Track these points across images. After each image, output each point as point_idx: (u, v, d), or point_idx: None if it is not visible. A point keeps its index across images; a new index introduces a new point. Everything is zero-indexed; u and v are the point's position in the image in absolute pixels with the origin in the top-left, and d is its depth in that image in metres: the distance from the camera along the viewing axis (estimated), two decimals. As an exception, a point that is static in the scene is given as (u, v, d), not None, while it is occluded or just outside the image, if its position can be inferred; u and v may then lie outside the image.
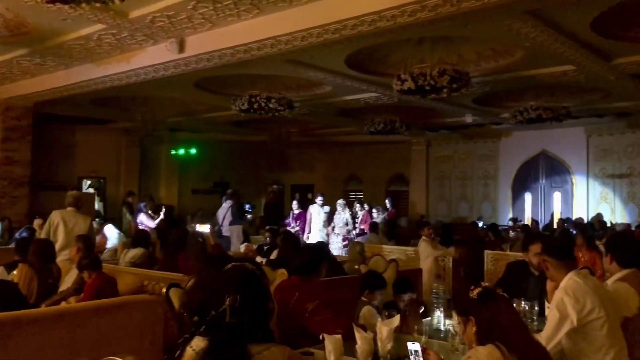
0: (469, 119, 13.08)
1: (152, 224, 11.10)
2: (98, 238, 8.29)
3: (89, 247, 5.52)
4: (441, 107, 11.94)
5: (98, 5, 5.79)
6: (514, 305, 3.22)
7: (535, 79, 9.33)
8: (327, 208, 11.57)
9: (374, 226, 10.73)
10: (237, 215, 10.88)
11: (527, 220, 14.89)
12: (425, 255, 8.18)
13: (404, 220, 14.13)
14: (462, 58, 8.55)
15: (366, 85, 9.96)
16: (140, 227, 10.73)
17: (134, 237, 7.15)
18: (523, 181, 15.66)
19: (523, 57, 8.25)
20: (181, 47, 7.52)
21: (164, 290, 3.99)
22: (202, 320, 2.04)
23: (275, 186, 20.72)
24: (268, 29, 6.66)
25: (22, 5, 6.40)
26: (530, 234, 8.54)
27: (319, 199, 11.51)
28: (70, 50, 8.24)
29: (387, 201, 14.37)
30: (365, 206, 12.90)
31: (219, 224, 10.57)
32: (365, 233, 11.20)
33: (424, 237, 8.37)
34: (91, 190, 15.63)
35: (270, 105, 9.62)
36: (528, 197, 15.76)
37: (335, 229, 11.20)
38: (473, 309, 2.48)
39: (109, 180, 15.84)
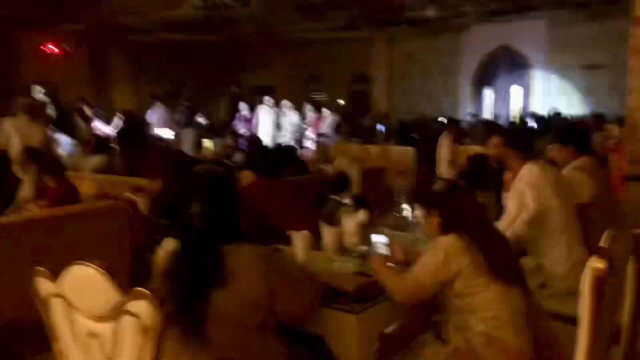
0: (430, 12, 12.83)
1: (107, 129, 10.83)
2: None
3: (39, 158, 5.36)
4: (403, 0, 11.63)
5: None
6: (475, 196, 3.31)
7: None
8: (277, 110, 11.35)
9: (337, 127, 10.74)
10: (189, 120, 10.72)
11: (489, 115, 15.13)
12: (442, 154, 7.72)
13: (367, 119, 14.15)
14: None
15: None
16: (96, 132, 10.49)
17: (93, 143, 6.99)
18: (483, 76, 15.70)
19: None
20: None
21: (129, 194, 3.96)
22: (171, 224, 2.05)
23: (233, 87, 20.25)
24: None
25: None
26: (489, 127, 8.66)
27: (267, 99, 11.30)
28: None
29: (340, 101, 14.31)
30: (312, 108, 12.37)
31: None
32: (317, 136, 11.21)
33: (445, 134, 7.81)
34: (43, 97, 15.04)
35: (226, 1, 9.18)
36: (488, 91, 15.90)
37: (282, 132, 11.10)
38: (436, 201, 2.54)
39: (62, 86, 15.22)
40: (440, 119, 14.14)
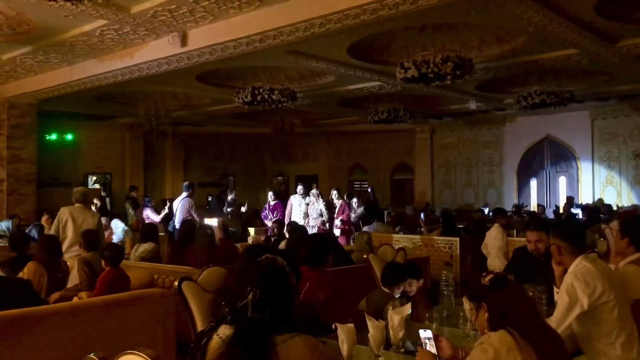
0: (472, 105, 13.05)
1: (157, 218, 11.16)
2: (106, 234, 8.35)
3: (91, 242, 5.54)
4: (445, 94, 11.92)
5: (100, 1, 5.78)
6: (525, 290, 3.23)
7: (538, 63, 9.30)
8: (308, 199, 11.52)
9: (380, 215, 10.76)
10: (217, 207, 10.96)
11: (533, 206, 14.88)
12: (496, 246, 7.57)
13: (409, 209, 14.13)
14: (465, 44, 8.52)
15: (369, 74, 9.94)
16: (147, 221, 10.80)
17: (142, 231, 7.20)
18: (528, 167, 15.63)
19: (526, 42, 8.22)
20: (184, 41, 7.52)
21: (176, 283, 4.02)
22: (228, 309, 2.08)
23: (280, 177, 20.75)
24: (270, 20, 6.65)
25: (24, 3, 6.41)
26: (533, 220, 8.49)
27: (299, 189, 11.51)
28: (73, 46, 8.24)
29: (369, 190, 14.38)
30: (345, 195, 12.57)
31: (173, 216, 10.65)
32: (346, 224, 11.22)
33: (497, 226, 7.73)
34: (97, 186, 15.69)
35: (273, 97, 9.61)
36: (533, 182, 15.74)
37: (309, 220, 11.16)
38: (485, 295, 2.50)
39: (115, 175, 15.89)
40: (485, 209, 14.02)
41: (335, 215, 11.46)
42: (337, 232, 10.89)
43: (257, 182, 19.61)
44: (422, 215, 11.09)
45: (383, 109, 12.45)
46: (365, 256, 6.19)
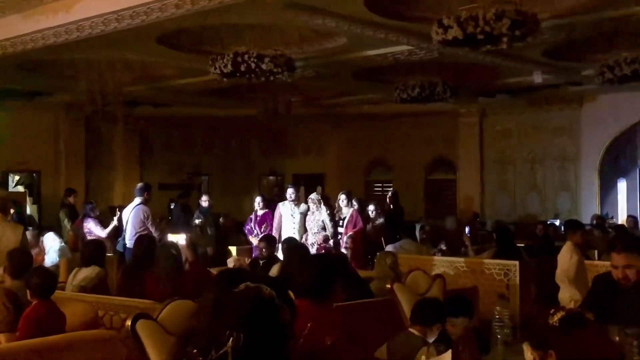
0: (538, 78, 13.04)
1: (103, 232, 11.20)
2: (34, 253, 8.38)
3: (20, 266, 5.57)
4: (499, 63, 11.91)
5: None
6: (608, 333, 3.23)
7: (629, 20, 9.28)
8: (303, 207, 11.52)
9: (410, 230, 10.77)
10: (182, 219, 10.96)
11: (622, 218, 14.83)
12: (569, 272, 7.56)
13: (450, 221, 14.14)
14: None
15: (395, 35, 9.94)
16: (89, 237, 10.83)
17: (83, 251, 7.24)
18: (615, 163, 15.59)
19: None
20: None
21: (128, 322, 4.05)
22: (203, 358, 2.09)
23: (271, 177, 20.78)
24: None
25: None
26: (614, 237, 8.44)
27: (290, 193, 11.55)
28: (-12, -3, 8.30)
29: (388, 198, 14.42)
30: (354, 203, 12.31)
31: (123, 230, 10.75)
32: (358, 242, 11.26)
33: (570, 244, 7.75)
34: (20, 188, 15.74)
35: (263, 67, 9.63)
36: (622, 185, 15.70)
37: (308, 236, 11.17)
38: (554, 340, 2.50)
39: (45, 174, 15.94)
40: (555, 221, 14.01)
41: (344, 229, 11.44)
42: (344, 252, 10.91)
43: (240, 183, 19.64)
44: (467, 230, 11.09)
45: (414, 84, 12.46)
46: (388, 286, 6.21)
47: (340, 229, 11.48)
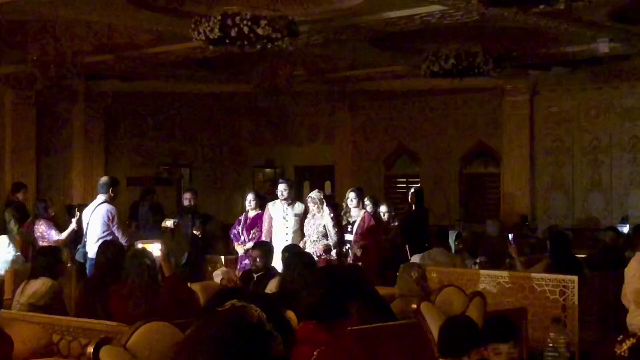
0: (603, 47, 12.99)
1: (58, 236, 11.20)
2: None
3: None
4: (555, 27, 11.86)
5: None
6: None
7: None
8: (299, 207, 11.43)
9: (440, 236, 10.76)
10: (151, 220, 10.89)
11: None
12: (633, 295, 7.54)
13: (491, 226, 14.12)
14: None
15: (424, -9, 9.97)
16: (42, 243, 10.83)
17: (33, 260, 7.25)
18: None
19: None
20: None
21: (90, 349, 4.06)
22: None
23: (268, 170, 20.77)
24: None
25: None
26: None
27: (281, 189, 11.42)
28: None
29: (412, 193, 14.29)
30: (367, 203, 12.29)
31: (84, 235, 10.74)
32: (371, 252, 11.19)
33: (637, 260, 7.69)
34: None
35: (259, 31, 9.60)
36: None
37: (306, 245, 11.09)
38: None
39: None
40: (624, 227, 13.94)
41: (353, 236, 11.38)
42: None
43: (229, 178, 19.65)
44: (510, 237, 11.05)
45: (448, 54, 12.43)
46: (414, 305, 6.22)
47: (349, 236, 11.38)
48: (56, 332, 5.56)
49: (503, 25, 11.58)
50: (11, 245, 9.61)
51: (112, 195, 10.81)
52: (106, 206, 10.63)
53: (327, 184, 19.25)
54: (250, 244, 11.20)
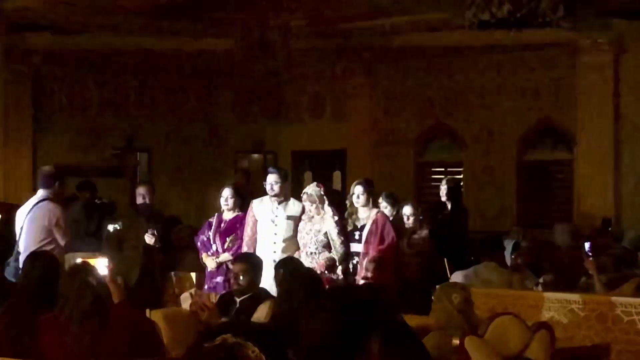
0: None
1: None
2: None
3: None
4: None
5: None
6: None
7: None
8: (294, 206, 11.33)
9: (493, 246, 10.77)
10: (87, 225, 10.79)
11: None
12: None
13: (561, 232, 14.12)
14: None
15: None
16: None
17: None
18: None
19: None
20: None
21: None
22: None
23: (255, 155, 20.83)
24: None
25: None
26: None
27: (271, 180, 11.37)
28: None
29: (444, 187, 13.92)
30: (384, 204, 12.25)
31: (16, 244, 10.81)
32: (385, 267, 11.08)
33: None
34: None
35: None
36: None
37: (301, 256, 11.05)
38: None
39: None
40: None
41: (362, 246, 11.33)
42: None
43: (202, 166, 19.71)
44: (587, 247, 11.05)
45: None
46: (456, 341, 6.24)
47: (357, 246, 11.35)
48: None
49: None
50: None
51: (59, 190, 10.80)
52: (48, 205, 10.63)
53: (336, 174, 19.29)
54: (225, 256, 11.25)
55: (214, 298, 9.16)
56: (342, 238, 10.92)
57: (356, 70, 19.43)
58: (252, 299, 8.34)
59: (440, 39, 16.94)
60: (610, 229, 15.33)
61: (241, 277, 8.70)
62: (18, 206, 11.33)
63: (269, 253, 10.75)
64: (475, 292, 8.24)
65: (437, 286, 8.34)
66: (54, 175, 10.96)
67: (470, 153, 18.58)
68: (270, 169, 11.59)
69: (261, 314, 7.71)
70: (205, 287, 11.00)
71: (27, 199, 11.33)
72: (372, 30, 17.17)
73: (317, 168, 19.45)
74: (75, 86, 18.30)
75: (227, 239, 11.52)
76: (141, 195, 12.83)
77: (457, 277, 10.24)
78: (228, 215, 11.72)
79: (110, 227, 11.79)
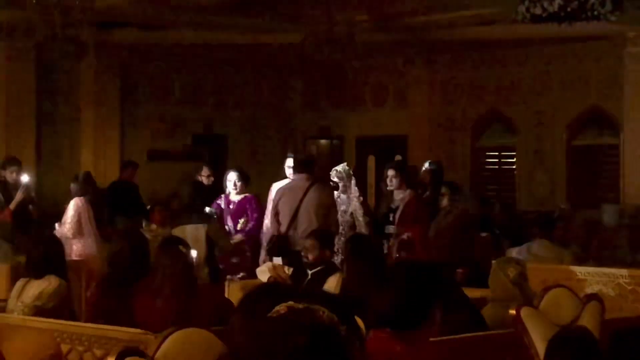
0: None
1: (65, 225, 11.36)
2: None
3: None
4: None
5: None
6: None
7: None
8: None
9: (545, 225, 10.70)
10: (196, 206, 10.76)
11: None
12: None
13: (609, 212, 14.02)
14: None
15: None
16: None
17: (34, 253, 7.34)
18: None
19: None
20: None
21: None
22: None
23: (322, 141, 20.82)
24: None
25: None
26: None
27: (288, 163, 11.21)
28: None
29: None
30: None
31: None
32: (416, 247, 10.82)
33: None
34: None
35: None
36: None
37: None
38: None
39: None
40: None
41: (395, 227, 11.04)
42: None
43: (274, 150, 19.70)
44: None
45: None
46: (512, 311, 6.23)
47: (391, 228, 11.02)
48: (65, 341, 5.61)
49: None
50: None
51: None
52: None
53: (398, 157, 19.23)
54: (239, 237, 11.25)
55: (288, 271, 9.20)
56: (368, 219, 10.84)
57: (416, 62, 19.37)
58: (322, 272, 8.33)
59: (494, 32, 16.81)
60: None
61: (311, 252, 8.72)
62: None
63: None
64: (529, 267, 8.22)
65: (494, 261, 8.34)
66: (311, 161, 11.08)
67: (522, 138, 18.46)
68: (290, 154, 11.50)
69: (331, 284, 7.71)
70: (221, 266, 10.73)
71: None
72: (430, 24, 17.08)
73: (380, 153, 19.33)
74: (158, 78, 18.39)
75: (240, 220, 11.47)
76: (207, 176, 12.73)
77: (513, 252, 10.21)
78: (235, 198, 11.66)
79: (207, 209, 11.76)
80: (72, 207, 11.36)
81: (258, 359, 2.18)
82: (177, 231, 9.79)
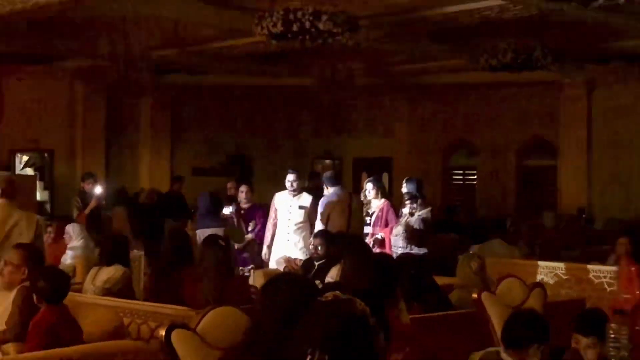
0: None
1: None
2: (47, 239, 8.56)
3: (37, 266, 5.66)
4: (614, 21, 11.66)
5: None
6: None
7: None
8: (305, 198, 10.95)
9: (499, 228, 10.65)
10: (211, 209, 10.67)
11: None
12: None
13: (548, 218, 13.97)
14: None
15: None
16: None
17: (103, 247, 7.35)
18: None
19: None
20: None
21: (161, 332, 4.08)
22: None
23: (326, 160, 20.81)
24: None
25: None
26: None
27: (291, 179, 11.02)
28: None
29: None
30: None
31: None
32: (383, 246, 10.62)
33: None
34: (29, 171, 16.00)
35: (320, 26, 9.59)
36: None
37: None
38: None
39: (58, 154, 16.17)
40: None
41: (371, 228, 10.82)
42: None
43: (289, 169, 19.64)
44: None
45: (506, 48, 12.28)
46: (474, 295, 6.21)
47: (368, 229, 10.90)
48: (127, 316, 5.66)
49: (561, 19, 11.42)
50: (82, 232, 9.70)
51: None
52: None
53: (385, 176, 19.21)
54: (249, 236, 11.18)
55: (299, 262, 9.13)
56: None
57: (399, 102, 19.41)
58: (326, 263, 8.29)
59: (461, 77, 16.83)
60: (584, 216, 15.22)
61: (319, 248, 8.70)
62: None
63: (284, 234, 10.55)
64: (487, 261, 8.19)
65: (460, 256, 8.30)
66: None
67: (482, 160, 18.49)
68: (290, 170, 11.11)
69: (333, 273, 7.67)
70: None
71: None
72: (411, 72, 17.09)
73: (371, 171, 19.33)
74: (201, 111, 18.40)
75: (250, 224, 11.37)
76: (231, 188, 12.65)
77: (474, 249, 10.17)
78: (245, 205, 11.57)
79: (226, 210, 11.60)
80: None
81: (300, 331, 2.15)
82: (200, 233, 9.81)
